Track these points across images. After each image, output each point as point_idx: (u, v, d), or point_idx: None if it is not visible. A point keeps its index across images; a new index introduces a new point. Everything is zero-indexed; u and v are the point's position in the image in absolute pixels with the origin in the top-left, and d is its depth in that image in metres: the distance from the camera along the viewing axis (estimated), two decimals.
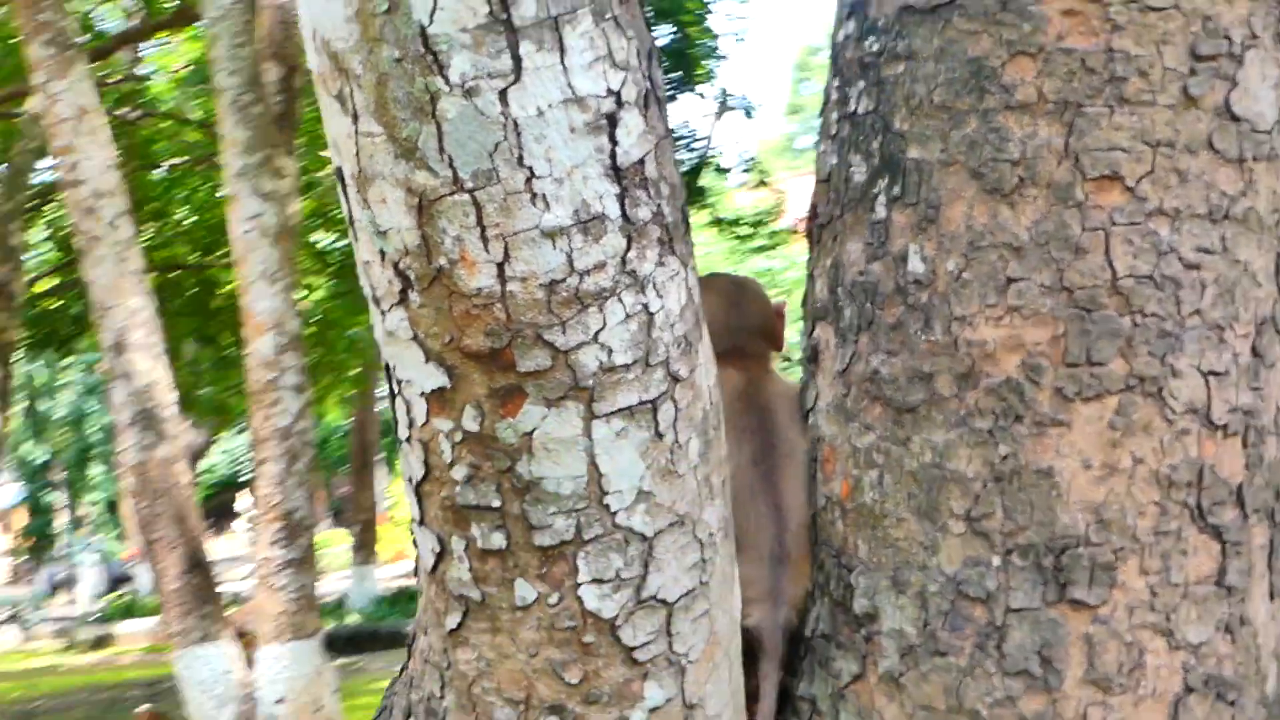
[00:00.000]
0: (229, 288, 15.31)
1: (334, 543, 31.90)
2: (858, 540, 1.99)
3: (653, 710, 1.80)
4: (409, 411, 1.74)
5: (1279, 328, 1.94)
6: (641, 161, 1.66)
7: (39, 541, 39.47)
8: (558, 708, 1.78)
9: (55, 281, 18.77)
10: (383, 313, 1.71)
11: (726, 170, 21.90)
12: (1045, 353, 1.85)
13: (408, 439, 1.76)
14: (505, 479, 1.70)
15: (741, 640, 2.02)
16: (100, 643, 25.16)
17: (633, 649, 1.76)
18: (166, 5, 15.61)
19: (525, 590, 1.74)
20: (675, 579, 1.77)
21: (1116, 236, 1.84)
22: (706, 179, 20.63)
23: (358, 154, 1.63)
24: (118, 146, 16.86)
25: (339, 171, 1.70)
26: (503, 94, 1.56)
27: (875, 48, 2.00)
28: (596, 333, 1.65)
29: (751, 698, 2.09)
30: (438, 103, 1.56)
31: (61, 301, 18.21)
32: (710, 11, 20.12)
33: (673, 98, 21.48)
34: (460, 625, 1.80)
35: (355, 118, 1.62)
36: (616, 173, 1.64)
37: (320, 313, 18.78)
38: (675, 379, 1.73)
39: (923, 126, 1.93)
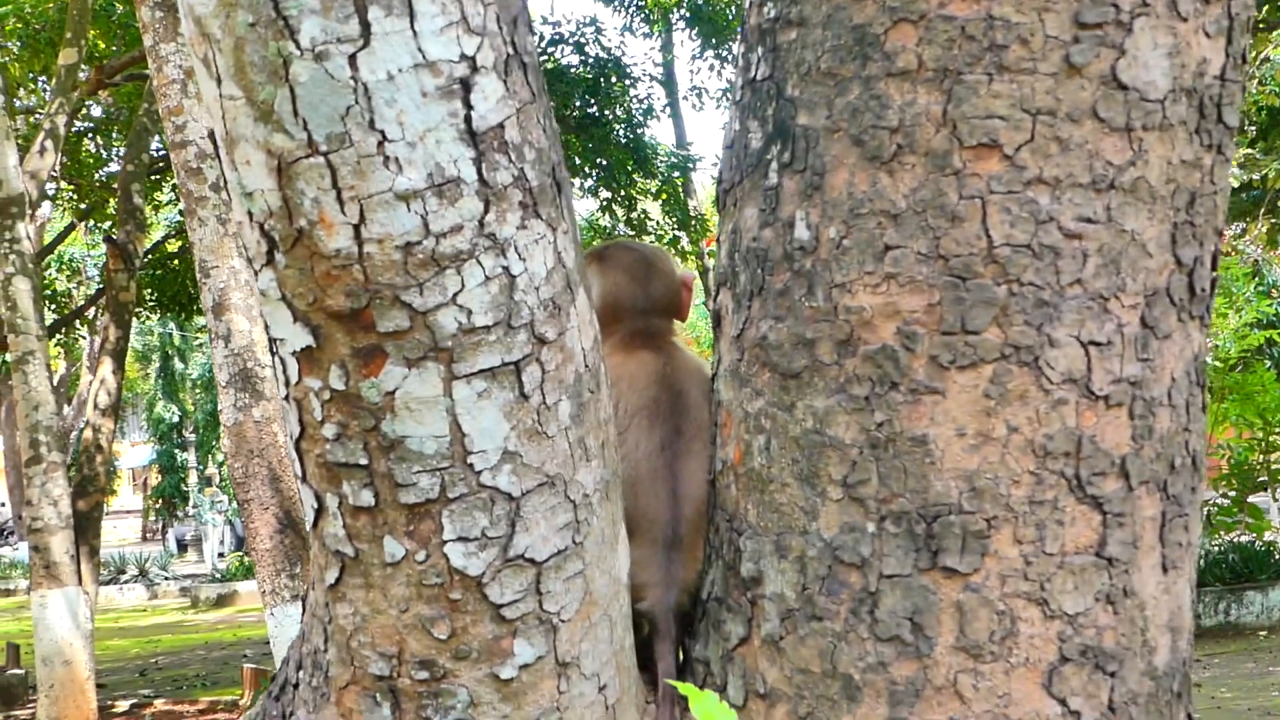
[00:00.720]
0: None
1: None
2: (747, 504, 2.00)
3: (523, 667, 1.82)
4: (285, 370, 1.78)
5: (1174, 299, 1.91)
6: (501, 126, 1.68)
7: (169, 501, 40.16)
8: (428, 662, 1.81)
9: (181, 243, 19.10)
10: (255, 272, 1.75)
11: None
12: (921, 320, 1.84)
13: (285, 397, 1.80)
14: (371, 437, 1.73)
15: (636, 619, 2.05)
16: (222, 601, 25.60)
17: (500, 606, 1.79)
18: None
19: (394, 547, 1.77)
20: (545, 539, 1.80)
21: (994, 205, 1.82)
22: None
23: (223, 116, 1.67)
24: None
25: (211, 134, 1.74)
26: (352, 58, 1.59)
27: (772, 14, 2.00)
28: (455, 294, 1.68)
29: (646, 668, 2.12)
30: (290, 67, 1.59)
31: (185, 263, 18.50)
32: None
33: None
34: (338, 581, 1.84)
35: (219, 81, 1.65)
36: (472, 137, 1.66)
37: None
38: (541, 341, 1.75)
39: (811, 93, 1.93)
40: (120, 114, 17.95)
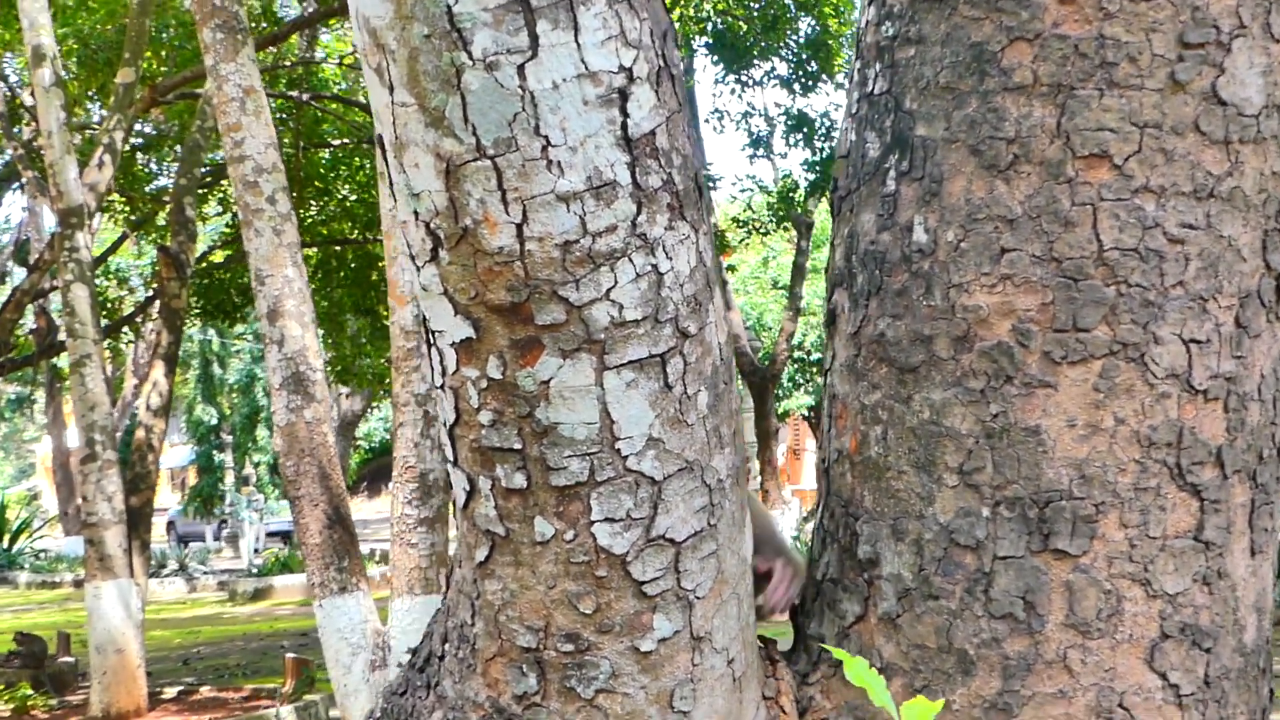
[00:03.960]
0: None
1: None
2: (864, 491, 2.04)
3: (662, 640, 1.86)
4: (441, 361, 1.81)
5: (1264, 301, 1.95)
6: (653, 133, 1.72)
7: (207, 500, 40.29)
8: (574, 635, 1.84)
9: (226, 254, 19.25)
10: (418, 269, 1.78)
11: None
12: (1034, 319, 1.88)
13: (441, 386, 1.83)
14: (525, 424, 1.77)
15: None
16: (258, 595, 25.61)
17: (642, 583, 1.82)
18: None
19: (544, 527, 1.80)
20: (683, 520, 1.83)
21: (1104, 211, 1.86)
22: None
23: (394, 122, 1.70)
24: (288, 127, 17.31)
25: (380, 139, 1.78)
26: (520, 68, 1.62)
27: (890, 32, 2.04)
28: (608, 290, 1.71)
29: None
30: (462, 76, 1.63)
31: (230, 273, 18.63)
32: (853, 5, 20.33)
33: (813, 87, 21.64)
34: (488, 558, 1.87)
35: (391, 89, 1.68)
36: (628, 143, 1.69)
37: None
38: (684, 335, 1.78)
39: (929, 106, 1.97)
40: (171, 130, 18.04)
